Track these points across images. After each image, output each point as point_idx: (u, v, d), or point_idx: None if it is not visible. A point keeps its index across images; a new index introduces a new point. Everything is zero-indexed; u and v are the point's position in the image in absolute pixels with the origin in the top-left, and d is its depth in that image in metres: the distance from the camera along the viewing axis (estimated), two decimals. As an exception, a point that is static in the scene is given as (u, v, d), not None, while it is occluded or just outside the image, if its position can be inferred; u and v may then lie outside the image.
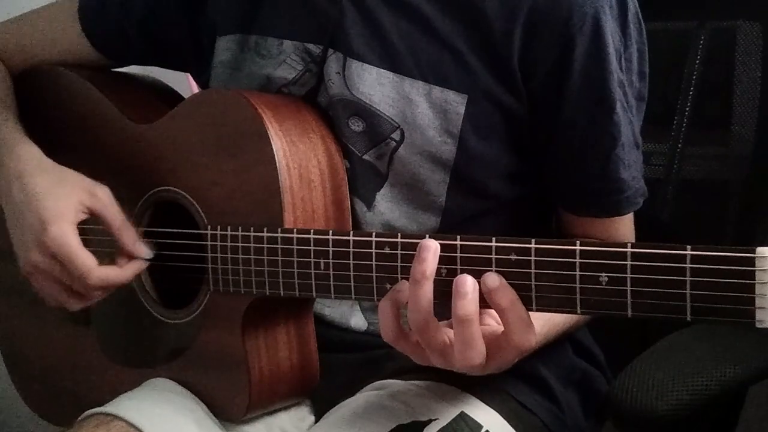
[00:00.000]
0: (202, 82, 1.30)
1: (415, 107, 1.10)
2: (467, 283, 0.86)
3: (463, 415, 1.09)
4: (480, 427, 1.09)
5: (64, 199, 1.13)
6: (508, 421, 1.13)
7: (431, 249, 0.88)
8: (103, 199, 1.15)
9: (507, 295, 0.86)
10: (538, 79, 1.08)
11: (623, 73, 1.10)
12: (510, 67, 1.08)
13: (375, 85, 1.11)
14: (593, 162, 1.12)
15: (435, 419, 1.07)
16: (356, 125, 1.13)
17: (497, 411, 1.13)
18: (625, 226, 1.18)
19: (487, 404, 1.13)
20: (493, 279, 0.87)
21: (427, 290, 0.88)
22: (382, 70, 1.11)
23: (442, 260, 0.90)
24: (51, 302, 1.19)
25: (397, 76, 1.11)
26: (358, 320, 1.20)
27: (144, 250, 1.16)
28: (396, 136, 1.11)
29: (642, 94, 1.15)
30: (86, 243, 1.12)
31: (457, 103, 1.09)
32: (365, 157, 1.13)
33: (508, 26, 1.07)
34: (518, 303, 0.87)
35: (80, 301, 1.16)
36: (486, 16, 1.08)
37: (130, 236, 1.15)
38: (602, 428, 1.30)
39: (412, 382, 1.13)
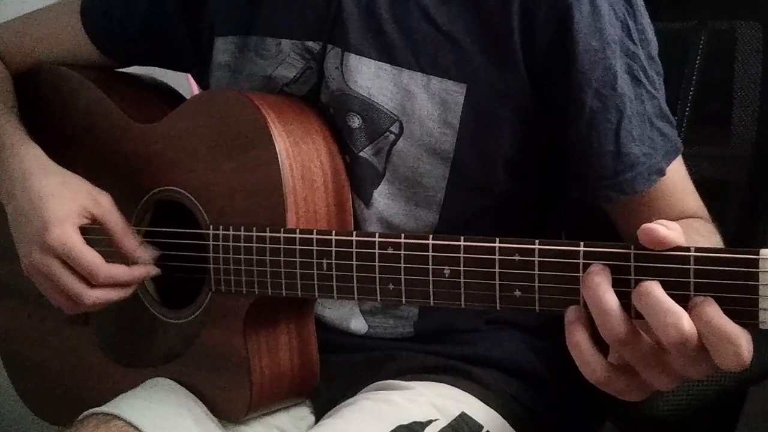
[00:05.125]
0: (203, 83, 1.31)
1: (413, 99, 1.10)
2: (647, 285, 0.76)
3: (463, 416, 1.09)
4: (480, 427, 1.09)
5: (67, 203, 1.13)
6: (508, 422, 1.13)
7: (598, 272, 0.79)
8: (105, 205, 1.15)
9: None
10: (539, 54, 1.07)
11: (637, 45, 1.08)
12: (510, 48, 1.07)
13: (373, 78, 1.11)
14: (603, 139, 1.07)
15: (435, 419, 1.07)
16: (353, 121, 1.13)
17: (497, 411, 1.13)
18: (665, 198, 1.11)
19: (487, 404, 1.13)
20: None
21: (612, 299, 0.77)
22: (380, 62, 1.11)
23: (446, 261, 0.90)
24: (53, 303, 1.19)
25: (395, 68, 1.11)
26: (358, 323, 1.20)
27: (145, 256, 1.16)
28: (395, 129, 1.11)
29: (659, 68, 1.12)
30: (89, 244, 1.12)
31: (456, 92, 1.09)
32: (362, 153, 1.13)
33: (504, 2, 1.06)
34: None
35: (76, 307, 1.16)
36: None
37: (131, 243, 1.15)
38: (602, 428, 1.30)
39: (412, 382, 1.13)
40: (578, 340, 0.78)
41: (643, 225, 0.77)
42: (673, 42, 1.28)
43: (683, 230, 0.78)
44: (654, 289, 0.75)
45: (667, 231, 0.76)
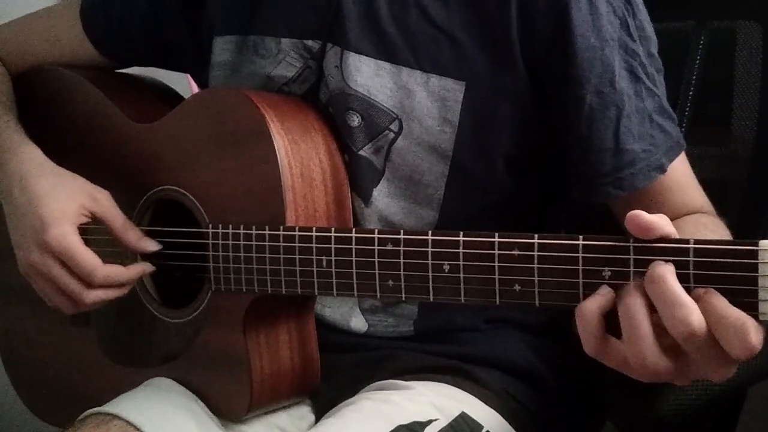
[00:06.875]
0: (202, 83, 1.31)
1: (413, 97, 1.10)
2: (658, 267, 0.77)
3: (463, 415, 1.09)
4: (480, 427, 1.09)
5: (66, 202, 1.13)
6: (508, 421, 1.13)
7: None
8: (104, 202, 1.16)
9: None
10: (538, 51, 1.07)
11: (636, 42, 1.09)
12: (509, 45, 1.07)
13: (373, 77, 1.11)
14: (602, 136, 1.07)
15: (435, 419, 1.07)
16: (352, 120, 1.13)
17: (497, 411, 1.13)
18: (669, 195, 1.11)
19: (487, 404, 1.13)
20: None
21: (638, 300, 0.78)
22: (380, 61, 1.11)
23: (445, 256, 0.90)
24: (49, 303, 1.19)
25: (394, 67, 1.11)
26: (358, 322, 1.20)
27: (150, 245, 1.16)
28: (394, 127, 1.11)
29: (659, 65, 1.13)
30: (87, 245, 1.13)
31: (455, 90, 1.09)
32: (361, 152, 1.13)
33: (503, 0, 1.07)
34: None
35: (74, 306, 1.16)
36: None
37: (133, 234, 1.16)
38: (602, 428, 1.30)
39: (412, 382, 1.13)
40: (585, 313, 0.80)
41: (628, 213, 0.77)
42: (673, 42, 1.28)
43: (690, 226, 0.79)
44: (667, 276, 0.75)
45: (652, 216, 0.76)
